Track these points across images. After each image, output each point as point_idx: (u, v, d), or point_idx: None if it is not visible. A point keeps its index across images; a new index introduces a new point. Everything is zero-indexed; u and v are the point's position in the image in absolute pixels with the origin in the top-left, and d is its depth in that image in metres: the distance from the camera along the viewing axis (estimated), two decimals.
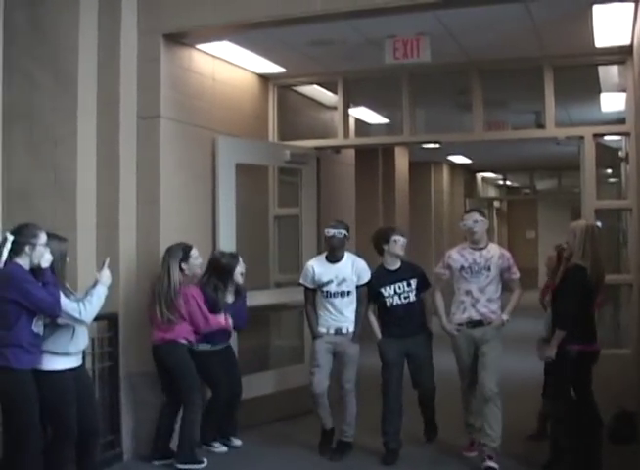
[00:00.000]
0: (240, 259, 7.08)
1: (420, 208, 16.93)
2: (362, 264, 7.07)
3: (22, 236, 5.23)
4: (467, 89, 8.38)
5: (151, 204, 6.92)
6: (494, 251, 6.81)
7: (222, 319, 6.92)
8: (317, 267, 7.05)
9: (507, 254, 6.88)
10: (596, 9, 6.42)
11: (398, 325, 6.88)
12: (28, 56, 6.79)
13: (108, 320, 6.56)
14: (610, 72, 8.51)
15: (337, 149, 9.44)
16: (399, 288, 6.89)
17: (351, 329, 6.95)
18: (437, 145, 9.52)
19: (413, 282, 6.92)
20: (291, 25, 6.83)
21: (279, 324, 9.14)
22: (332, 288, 6.95)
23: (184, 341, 6.63)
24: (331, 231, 6.96)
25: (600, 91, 9.34)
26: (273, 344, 9.01)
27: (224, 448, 7.12)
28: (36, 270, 5.25)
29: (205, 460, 6.64)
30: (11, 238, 5.21)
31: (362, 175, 11.93)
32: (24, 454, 5.19)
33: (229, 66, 8.06)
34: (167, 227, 6.96)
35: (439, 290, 6.98)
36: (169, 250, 6.66)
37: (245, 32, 7.12)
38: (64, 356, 5.46)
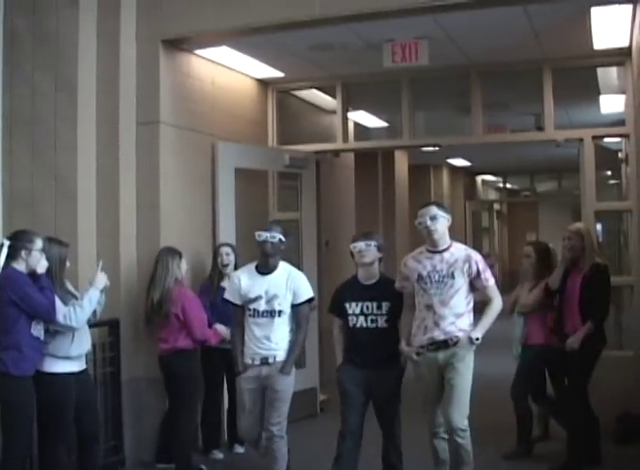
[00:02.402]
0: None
1: None
2: (300, 278, 5.94)
3: (19, 241, 5.32)
4: (466, 92, 8.38)
5: (151, 209, 6.92)
6: (459, 253, 5.55)
7: (213, 334, 6.62)
8: (245, 279, 5.89)
9: (475, 255, 5.59)
10: (594, 11, 6.42)
11: (360, 353, 5.74)
12: (29, 63, 6.81)
13: (109, 326, 6.59)
14: (609, 74, 8.52)
15: (336, 153, 9.45)
16: (367, 308, 5.74)
17: (280, 358, 5.76)
18: (437, 148, 9.54)
19: (385, 305, 5.73)
20: (290, 30, 6.84)
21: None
22: (260, 306, 5.77)
23: (190, 347, 6.52)
24: (262, 234, 5.79)
25: (599, 93, 9.35)
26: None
27: (221, 455, 7.09)
28: (32, 275, 5.30)
29: (204, 467, 6.65)
30: (7, 243, 5.28)
31: (362, 179, 11.93)
32: (9, 456, 5.22)
33: (228, 71, 8.07)
34: (167, 232, 6.96)
35: (407, 306, 5.71)
36: (167, 249, 6.60)
37: (244, 37, 7.13)
38: (64, 360, 5.51)
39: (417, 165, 16.42)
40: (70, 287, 5.80)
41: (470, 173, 20.70)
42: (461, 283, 5.48)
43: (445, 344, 5.44)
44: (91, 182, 6.80)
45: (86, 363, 5.79)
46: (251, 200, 8.25)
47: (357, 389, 5.73)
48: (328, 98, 9.43)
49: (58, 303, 5.38)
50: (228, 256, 7.07)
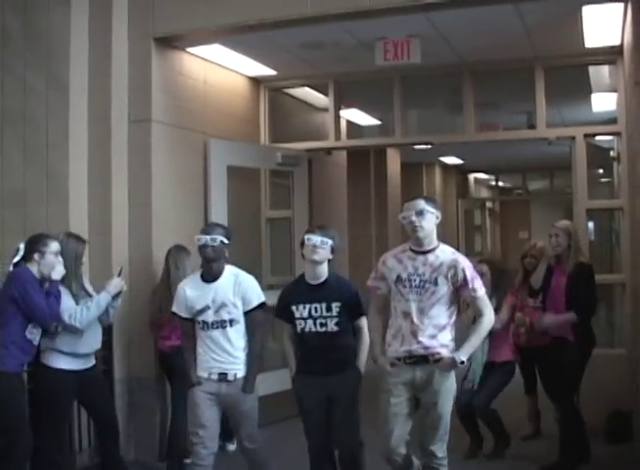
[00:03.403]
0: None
1: None
2: (249, 282, 5.40)
3: (33, 244, 5.42)
4: (458, 90, 8.39)
5: (143, 207, 6.92)
6: (445, 256, 4.90)
7: None
8: (190, 290, 5.38)
9: (463, 261, 4.91)
10: (586, 10, 6.43)
11: (312, 360, 5.24)
12: (21, 60, 6.81)
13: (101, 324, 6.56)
14: (600, 73, 8.53)
15: (328, 151, 9.44)
16: (315, 310, 5.17)
17: (241, 373, 5.27)
18: (429, 146, 9.55)
19: (335, 306, 5.16)
20: (281, 28, 6.83)
21: (272, 327, 9.12)
22: (209, 317, 5.28)
23: None
24: (202, 238, 5.27)
25: (591, 91, 9.36)
26: (266, 346, 8.98)
27: (233, 447, 7.02)
28: (45, 280, 5.38)
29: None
30: (22, 246, 5.42)
31: (354, 177, 11.93)
32: (14, 457, 5.27)
33: (220, 69, 8.06)
34: (160, 230, 6.96)
35: (376, 309, 5.17)
36: (178, 248, 6.61)
37: (236, 35, 7.12)
38: (70, 357, 5.56)
39: (409, 164, 16.41)
40: (88, 285, 5.86)
41: (462, 172, 20.69)
42: (444, 291, 4.82)
43: (425, 359, 4.82)
44: (83, 181, 6.80)
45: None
46: (244, 198, 8.26)
47: (317, 407, 5.23)
48: (320, 96, 9.43)
49: (68, 301, 5.47)
50: None
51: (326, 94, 9.02)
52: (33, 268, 5.36)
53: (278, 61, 8.15)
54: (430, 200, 5.03)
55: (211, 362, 5.27)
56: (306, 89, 9.45)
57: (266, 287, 8.49)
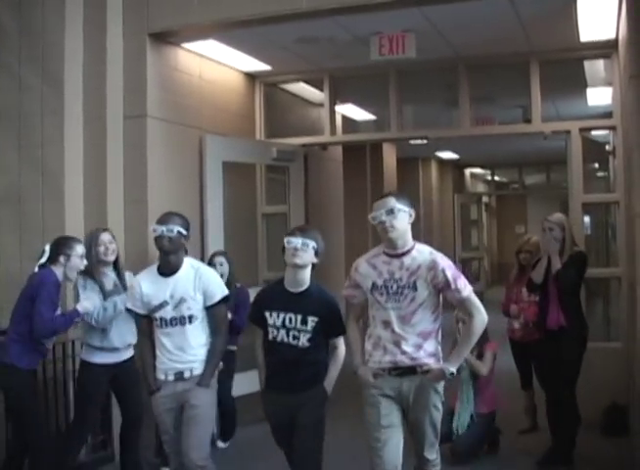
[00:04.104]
0: None
1: None
2: (210, 275, 5.09)
3: (59, 246, 5.50)
4: (454, 85, 8.39)
5: (138, 203, 6.90)
6: (422, 257, 4.52)
7: None
8: (146, 284, 5.02)
9: (443, 261, 4.55)
10: (580, 3, 6.43)
11: (281, 373, 4.78)
12: (15, 57, 6.80)
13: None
14: (596, 67, 8.53)
15: (324, 146, 9.44)
16: (290, 321, 4.72)
17: (198, 371, 4.93)
18: (425, 141, 9.55)
19: (311, 321, 4.69)
20: (276, 23, 6.80)
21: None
22: (167, 313, 4.93)
23: None
24: (158, 228, 4.91)
25: (586, 86, 9.36)
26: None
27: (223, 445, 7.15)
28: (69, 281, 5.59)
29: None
30: (47, 248, 5.49)
31: (350, 172, 11.93)
32: (33, 450, 5.44)
33: (215, 64, 8.04)
34: None
35: (354, 318, 4.81)
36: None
37: (231, 31, 7.10)
38: (98, 350, 5.68)
39: (405, 159, 16.43)
40: (125, 278, 5.88)
41: (458, 166, 20.73)
42: (425, 295, 4.45)
43: (412, 370, 4.48)
44: (78, 177, 6.79)
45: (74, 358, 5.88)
46: (239, 193, 8.26)
47: (283, 427, 4.82)
48: (315, 91, 9.42)
49: (95, 299, 5.58)
50: (222, 266, 6.94)
51: (321, 89, 9.01)
52: (58, 271, 5.44)
53: (273, 56, 8.13)
54: (401, 197, 4.59)
55: (168, 363, 4.93)
56: (302, 84, 9.44)
57: (263, 282, 8.53)
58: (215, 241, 7.45)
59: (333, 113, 8.95)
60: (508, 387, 7.90)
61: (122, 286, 5.79)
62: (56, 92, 6.70)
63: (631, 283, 6.47)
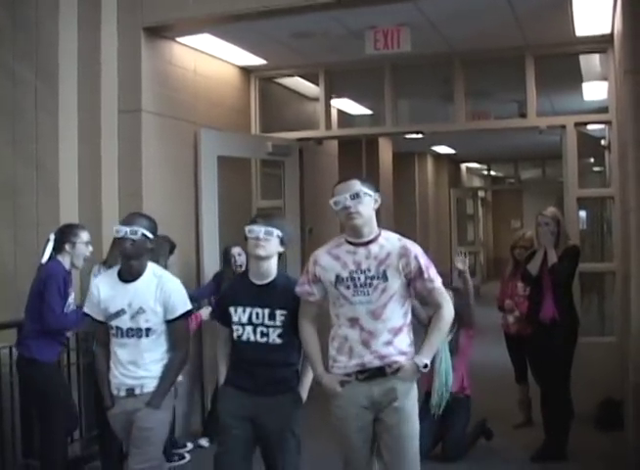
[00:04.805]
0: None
1: (404, 199, 16.93)
2: (173, 287, 4.56)
3: (63, 234, 5.47)
4: (449, 79, 8.39)
5: (133, 197, 6.89)
6: (391, 245, 4.09)
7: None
8: (104, 289, 4.56)
9: (414, 247, 4.12)
10: None
11: (246, 374, 4.30)
12: (9, 52, 6.80)
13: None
14: (591, 61, 8.54)
15: (319, 140, 9.43)
16: (257, 317, 4.26)
17: (149, 388, 4.44)
18: (421, 135, 9.54)
19: (280, 315, 4.25)
20: (271, 17, 6.80)
21: None
22: (123, 322, 4.45)
23: None
24: (121, 229, 4.42)
25: (582, 80, 9.36)
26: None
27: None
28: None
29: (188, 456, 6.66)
30: (52, 237, 5.45)
31: (346, 166, 11.89)
32: (48, 442, 5.43)
33: (210, 58, 8.03)
34: None
35: (309, 319, 4.25)
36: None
37: (226, 25, 7.10)
38: None
39: (401, 153, 16.43)
40: None
41: (454, 161, 20.73)
42: (396, 286, 4.03)
43: (381, 372, 4.02)
44: (73, 171, 6.79)
45: (68, 353, 5.87)
46: (234, 188, 8.25)
47: (239, 422, 4.27)
48: (311, 85, 9.42)
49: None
50: (240, 256, 6.95)
51: (316, 83, 9.01)
52: (65, 259, 5.44)
53: (268, 50, 8.13)
54: (366, 180, 4.19)
55: (120, 378, 4.47)
56: (297, 79, 9.44)
57: None
58: (210, 235, 7.44)
59: (328, 107, 8.95)
60: (503, 381, 7.92)
61: None
62: (50, 87, 6.70)
63: (625, 277, 6.48)
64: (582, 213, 9.74)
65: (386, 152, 15.21)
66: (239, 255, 6.96)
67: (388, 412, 4.03)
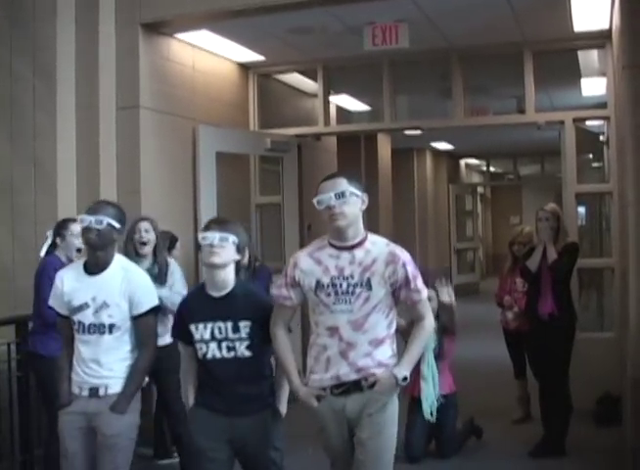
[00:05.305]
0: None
1: (403, 195, 16.92)
2: (140, 280, 4.36)
3: (57, 229, 5.58)
4: (447, 75, 8.38)
5: (132, 194, 6.88)
6: (378, 250, 3.80)
7: None
8: (69, 280, 4.32)
9: (403, 254, 3.82)
10: None
11: (216, 394, 4.01)
12: (6, 48, 6.79)
13: None
14: (590, 57, 8.53)
15: (318, 136, 9.42)
16: (219, 331, 3.96)
17: (114, 389, 4.18)
18: (419, 131, 9.55)
19: (244, 327, 3.94)
20: (269, 13, 6.78)
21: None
22: (86, 317, 4.20)
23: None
24: (86, 219, 4.19)
25: (580, 76, 9.36)
26: None
27: None
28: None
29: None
30: (49, 233, 5.57)
31: (344, 163, 11.89)
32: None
33: (208, 55, 8.03)
34: None
35: (282, 326, 3.97)
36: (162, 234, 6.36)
37: (224, 21, 7.09)
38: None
39: (400, 149, 16.41)
40: (169, 269, 5.88)
41: (453, 157, 20.72)
42: (381, 295, 3.74)
43: (357, 386, 3.76)
44: (71, 168, 6.78)
45: None
46: (233, 184, 8.25)
47: (215, 443, 3.99)
48: (309, 81, 9.41)
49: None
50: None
51: (315, 80, 9.00)
52: (61, 253, 5.52)
53: (266, 46, 8.12)
54: (353, 178, 3.83)
55: (83, 376, 4.21)
56: (295, 75, 9.43)
57: None
58: None
59: (327, 103, 8.94)
60: (501, 376, 7.93)
61: (159, 277, 5.72)
62: (48, 83, 6.69)
63: (623, 273, 6.49)
64: (581, 209, 9.75)
65: (384, 148, 15.21)
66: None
67: (362, 426, 3.78)
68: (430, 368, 6.30)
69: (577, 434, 6.45)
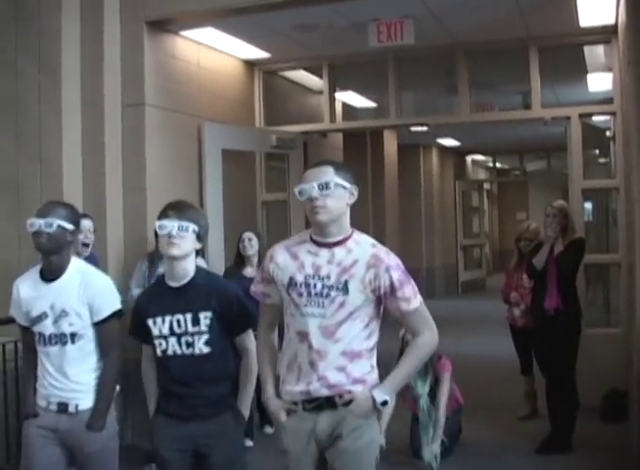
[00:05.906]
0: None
1: (409, 191, 16.92)
2: (99, 283, 4.00)
3: None
4: (453, 71, 8.38)
5: (137, 191, 6.90)
6: (361, 251, 3.30)
7: None
8: (25, 289, 4.00)
9: (389, 258, 3.30)
10: None
11: (176, 397, 3.69)
12: (12, 45, 6.76)
13: None
14: (595, 52, 8.51)
15: (323, 133, 9.43)
16: (179, 325, 3.65)
17: (85, 405, 3.89)
18: (425, 128, 9.54)
19: (205, 318, 3.64)
20: (275, 10, 6.79)
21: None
22: (46, 328, 3.89)
23: None
24: (35, 223, 3.87)
25: (587, 71, 9.34)
26: None
27: (271, 430, 6.87)
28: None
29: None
30: None
31: (350, 159, 11.90)
32: None
33: (214, 52, 8.03)
34: (154, 214, 6.78)
35: (267, 327, 3.58)
36: None
37: (229, 18, 7.09)
38: None
39: (406, 146, 16.42)
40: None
41: (459, 153, 20.69)
42: (359, 302, 3.23)
43: (331, 402, 3.25)
44: (76, 165, 6.77)
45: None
46: (239, 181, 8.25)
47: (178, 453, 3.68)
48: (315, 78, 9.41)
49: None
50: (251, 240, 6.82)
51: (320, 76, 9.00)
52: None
53: (272, 43, 8.11)
54: (342, 168, 3.36)
55: (49, 389, 3.91)
56: (301, 72, 9.44)
57: None
58: (215, 229, 7.43)
59: (332, 100, 8.94)
60: (508, 373, 7.92)
61: None
62: (53, 81, 6.67)
63: (630, 268, 6.48)
64: (588, 205, 9.73)
65: (390, 144, 15.20)
66: (249, 240, 6.81)
67: (332, 454, 3.28)
68: (426, 414, 6.08)
69: (584, 430, 6.45)
